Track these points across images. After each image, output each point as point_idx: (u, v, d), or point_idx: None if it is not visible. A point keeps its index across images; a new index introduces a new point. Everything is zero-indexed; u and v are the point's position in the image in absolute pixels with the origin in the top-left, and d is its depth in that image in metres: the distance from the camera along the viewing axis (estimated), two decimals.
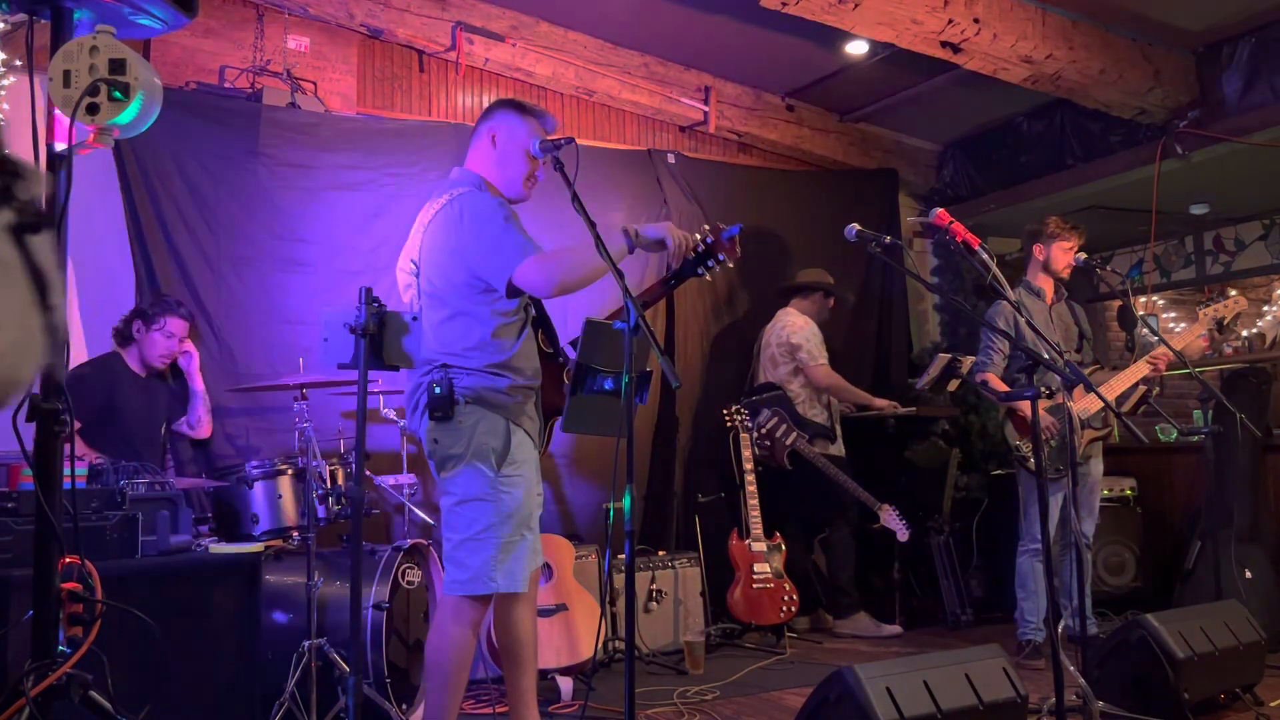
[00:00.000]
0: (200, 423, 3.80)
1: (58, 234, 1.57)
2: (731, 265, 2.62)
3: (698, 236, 2.58)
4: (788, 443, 4.63)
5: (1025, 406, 3.05)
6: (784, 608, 4.42)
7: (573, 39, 4.94)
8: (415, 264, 2.60)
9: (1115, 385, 3.87)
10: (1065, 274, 4.07)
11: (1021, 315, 2.94)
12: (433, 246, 2.54)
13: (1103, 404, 3.39)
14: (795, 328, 4.84)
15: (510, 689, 2.63)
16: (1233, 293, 3.96)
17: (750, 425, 4.61)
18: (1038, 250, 4.09)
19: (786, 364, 4.84)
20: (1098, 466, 4.07)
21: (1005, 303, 4.00)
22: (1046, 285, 4.11)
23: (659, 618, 4.33)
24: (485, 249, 2.44)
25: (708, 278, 2.66)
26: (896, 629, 4.76)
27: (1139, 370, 3.88)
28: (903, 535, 4.57)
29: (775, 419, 4.66)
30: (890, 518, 4.58)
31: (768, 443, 4.66)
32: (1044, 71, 4.48)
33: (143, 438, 3.64)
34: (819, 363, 4.79)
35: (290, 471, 3.16)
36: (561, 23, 4.86)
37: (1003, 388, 3.97)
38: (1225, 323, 3.88)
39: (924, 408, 5.10)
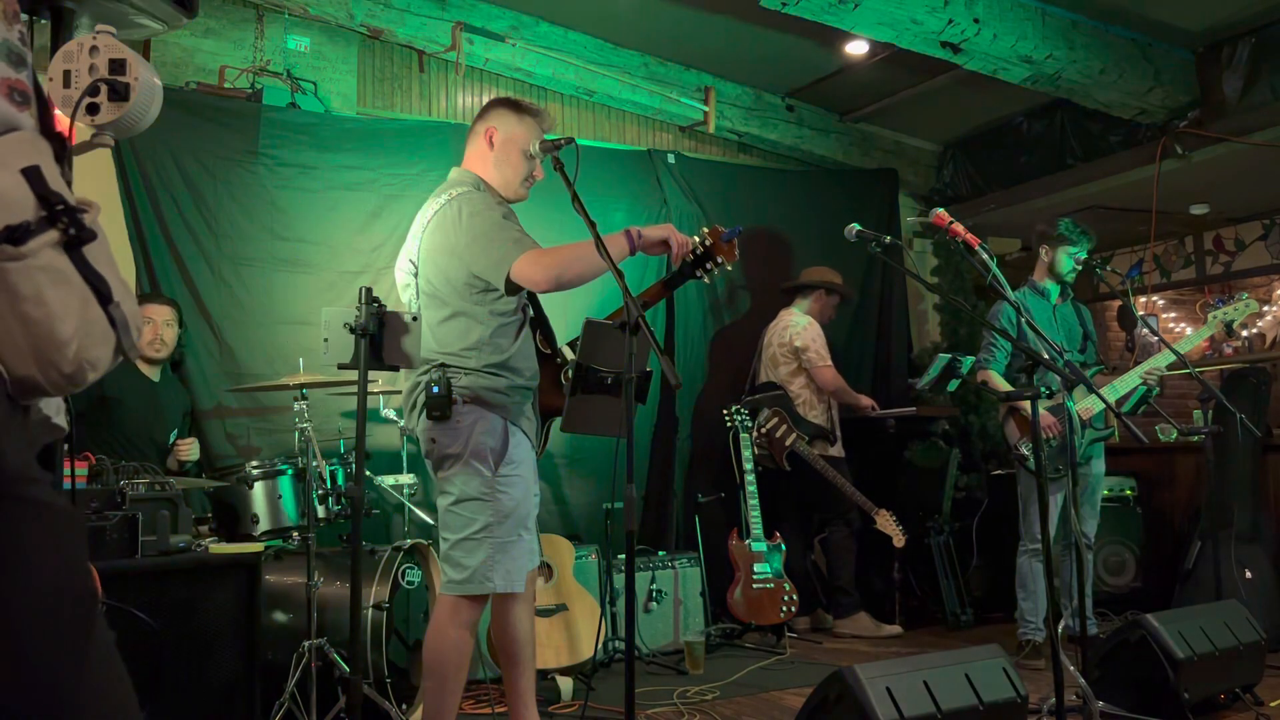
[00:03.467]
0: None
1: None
2: (730, 268, 2.66)
3: (696, 239, 2.59)
4: (787, 443, 4.63)
5: (1027, 406, 3.05)
6: (784, 608, 4.42)
7: (573, 39, 4.94)
8: (414, 264, 2.61)
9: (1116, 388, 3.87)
10: (1070, 278, 4.08)
11: (1022, 315, 2.93)
12: (431, 246, 2.55)
13: (1103, 405, 3.39)
14: (799, 329, 4.83)
15: (509, 689, 2.64)
16: (1244, 295, 3.96)
17: (750, 425, 4.61)
18: (1044, 252, 4.09)
19: (788, 364, 4.83)
20: (1099, 466, 4.07)
21: (1001, 304, 4.01)
22: (1052, 286, 4.12)
23: (659, 618, 4.33)
24: (483, 246, 2.44)
25: (706, 280, 2.71)
26: (896, 629, 4.76)
27: (1132, 381, 3.90)
28: (899, 541, 4.54)
29: (775, 419, 4.66)
30: (886, 522, 4.55)
31: (767, 443, 4.66)
32: (1044, 71, 4.48)
33: (146, 439, 3.64)
34: (827, 364, 4.79)
35: (290, 471, 3.16)
36: (561, 23, 4.87)
37: (1004, 386, 3.97)
38: (1235, 325, 3.88)
39: (924, 408, 5.10)
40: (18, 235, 0.72)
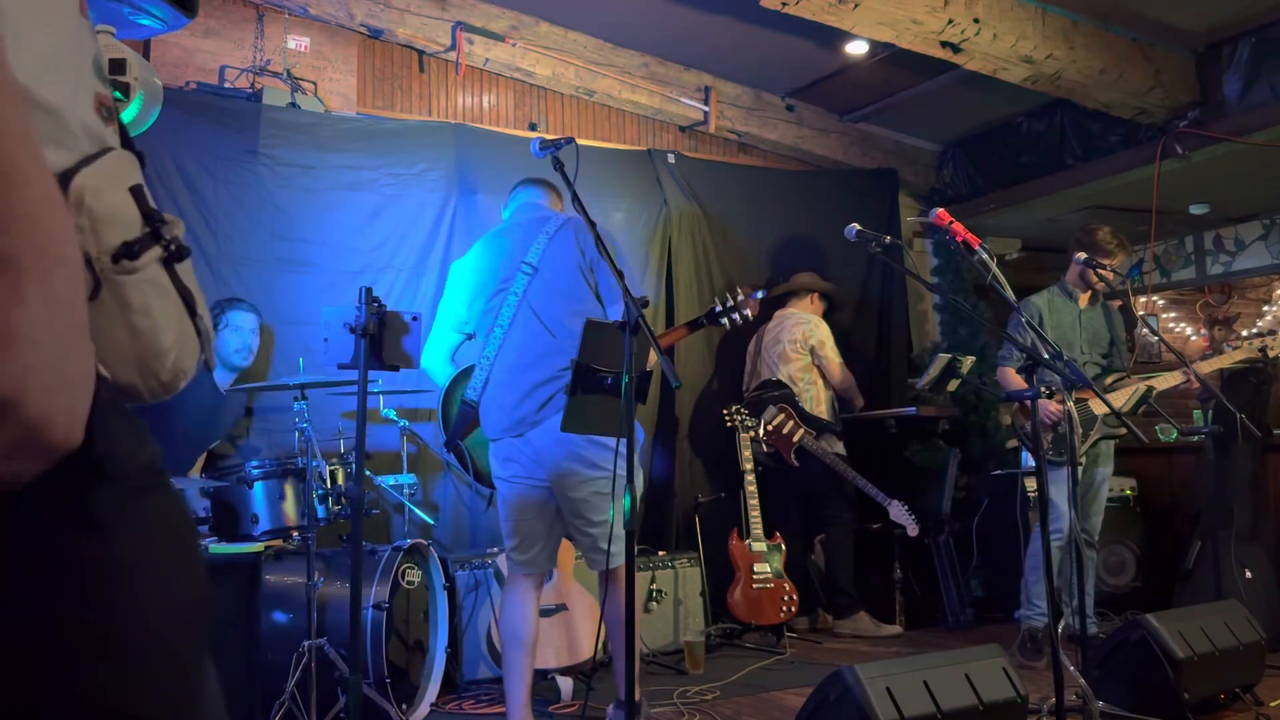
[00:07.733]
0: None
1: None
2: (752, 319, 3.36)
3: (728, 295, 3.20)
4: (795, 439, 4.62)
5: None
6: (784, 608, 4.41)
7: (573, 39, 4.94)
8: (531, 265, 2.85)
9: (1119, 395, 3.86)
10: (1100, 286, 4.10)
11: (1023, 316, 2.94)
12: (564, 250, 2.87)
13: (1106, 407, 3.38)
14: (812, 325, 4.87)
15: (526, 672, 2.91)
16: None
17: (750, 425, 4.61)
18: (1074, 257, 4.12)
19: (799, 360, 4.84)
20: (1106, 466, 4.09)
21: (1026, 301, 4.03)
22: (1081, 290, 4.13)
23: (659, 618, 4.33)
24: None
25: (727, 326, 3.47)
26: (896, 629, 4.76)
27: (1173, 378, 3.88)
28: (912, 530, 4.58)
29: (782, 415, 4.65)
30: (899, 512, 4.58)
31: (775, 439, 4.64)
32: (1044, 71, 4.47)
33: (198, 446, 3.63)
34: (839, 361, 4.83)
35: (290, 471, 3.16)
36: (561, 23, 4.86)
37: (1020, 383, 3.97)
38: (1270, 352, 3.93)
39: (924, 408, 5.10)
40: (134, 251, 0.79)
